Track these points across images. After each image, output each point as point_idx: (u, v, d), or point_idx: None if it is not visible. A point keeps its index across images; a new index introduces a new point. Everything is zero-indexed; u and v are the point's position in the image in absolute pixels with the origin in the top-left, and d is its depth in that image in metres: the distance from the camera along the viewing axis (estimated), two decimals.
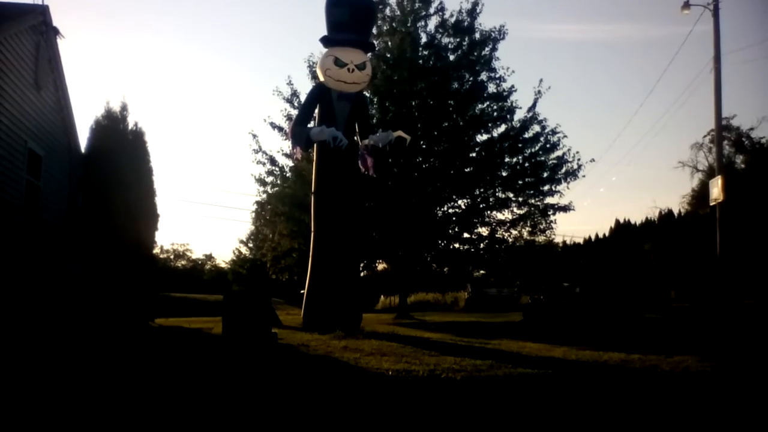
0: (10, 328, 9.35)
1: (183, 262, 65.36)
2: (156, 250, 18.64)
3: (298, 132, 12.00)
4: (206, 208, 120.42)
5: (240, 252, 58.23)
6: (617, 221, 54.24)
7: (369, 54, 12.40)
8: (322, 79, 12.14)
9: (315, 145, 11.99)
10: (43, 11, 13.89)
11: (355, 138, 12.23)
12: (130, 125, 14.55)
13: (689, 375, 6.29)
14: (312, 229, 12.08)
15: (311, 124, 12.26)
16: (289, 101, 20.73)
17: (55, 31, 14.54)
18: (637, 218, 59.06)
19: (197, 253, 71.23)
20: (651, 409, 4.82)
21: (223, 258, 78.10)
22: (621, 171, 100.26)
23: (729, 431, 4.28)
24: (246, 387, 5.28)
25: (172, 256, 63.01)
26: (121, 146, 14.07)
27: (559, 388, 5.57)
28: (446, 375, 5.90)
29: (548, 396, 5.26)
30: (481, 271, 27.69)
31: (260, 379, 5.64)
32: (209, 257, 69.47)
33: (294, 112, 20.10)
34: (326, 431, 3.85)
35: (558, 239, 34.40)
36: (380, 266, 26.36)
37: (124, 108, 14.58)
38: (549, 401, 5.08)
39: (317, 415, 4.30)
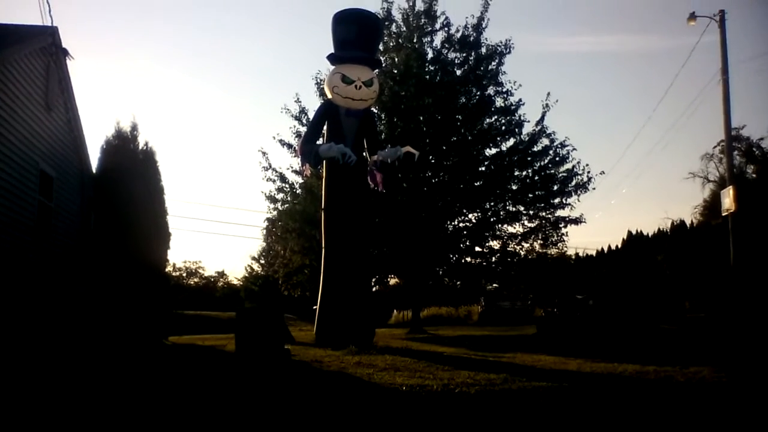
0: (24, 348, 9.40)
1: (195, 280, 65.54)
2: (168, 268, 18.74)
3: (307, 150, 12.06)
4: (218, 226, 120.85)
5: (252, 269, 58.34)
6: (629, 233, 54.01)
7: (376, 71, 12.46)
8: (329, 96, 12.21)
9: (324, 162, 12.05)
10: (53, 33, 14.05)
11: (364, 154, 12.27)
12: (141, 145, 14.61)
13: (705, 386, 6.23)
14: (323, 245, 12.10)
15: (320, 142, 12.33)
16: (298, 118, 20.87)
17: (65, 53, 14.71)
18: (649, 229, 58.68)
19: (210, 271, 71.49)
20: (666, 421, 4.78)
21: (236, 275, 78.06)
22: (632, 183, 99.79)
23: None
24: (260, 404, 5.29)
25: (184, 274, 63.21)
26: (132, 166, 14.14)
27: (573, 401, 5.54)
28: (460, 389, 5.88)
29: (563, 409, 5.22)
30: (494, 285, 27.54)
31: (274, 396, 5.64)
32: (221, 274, 69.66)
33: (302, 129, 20.27)
34: None
35: (570, 251, 34.38)
36: (392, 281, 26.34)
37: (134, 128, 14.67)
38: (564, 414, 5.04)
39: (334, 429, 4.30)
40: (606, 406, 5.35)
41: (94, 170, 15.33)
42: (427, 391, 5.81)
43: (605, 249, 54.34)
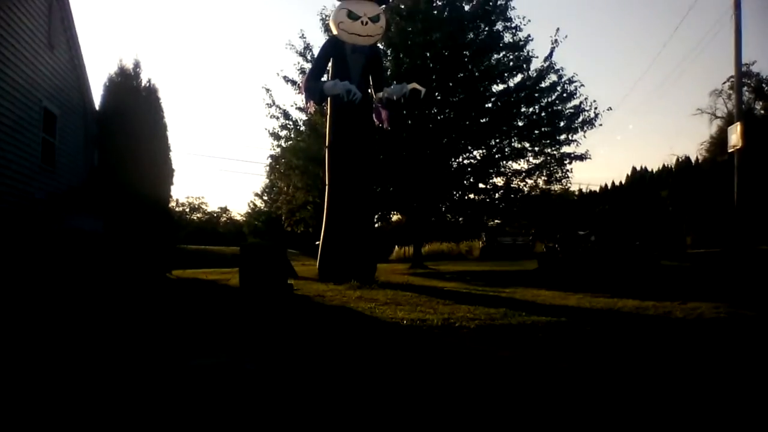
0: (31, 286, 9.53)
1: (198, 215, 65.76)
2: (172, 204, 18.83)
3: (311, 86, 11.91)
4: (221, 162, 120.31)
5: (255, 205, 58.61)
6: (634, 169, 53.78)
7: (382, 6, 12.21)
8: (335, 32, 12.00)
9: (329, 99, 11.95)
10: None
11: (369, 91, 12.13)
12: (144, 82, 14.60)
13: (702, 322, 6.31)
14: (326, 182, 12.12)
15: (325, 78, 12.16)
16: (302, 55, 20.58)
17: None
18: (654, 166, 58.48)
19: (212, 206, 71.74)
20: (662, 358, 4.85)
21: (239, 211, 78.52)
22: (638, 119, 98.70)
23: (739, 379, 4.30)
24: (264, 337, 5.37)
25: (187, 209, 63.39)
26: (135, 103, 14.13)
27: (571, 336, 5.62)
28: (460, 324, 5.96)
29: (561, 344, 5.30)
30: (496, 221, 27.64)
31: (278, 330, 5.73)
32: (224, 210, 69.96)
33: (307, 66, 20.00)
34: (342, 380, 3.92)
35: (574, 187, 34.25)
36: (395, 217, 26.43)
37: (137, 65, 14.60)
38: (561, 350, 5.12)
39: (334, 365, 4.37)
40: (603, 341, 5.42)
41: (97, 108, 15.27)
42: (427, 325, 5.90)
43: (609, 185, 54.29)
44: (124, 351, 4.70)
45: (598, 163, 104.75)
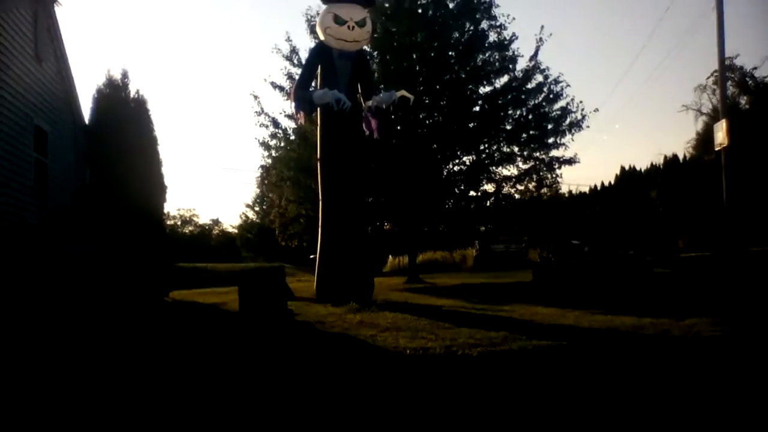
0: (24, 313, 9.50)
1: (190, 228, 65.74)
2: (165, 218, 18.71)
3: (300, 95, 11.90)
4: (210, 172, 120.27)
5: (247, 217, 58.55)
6: (622, 168, 54.03)
7: (368, 9, 12.25)
8: (322, 37, 12.02)
9: (318, 109, 11.92)
10: None
11: (358, 97, 12.14)
12: (132, 93, 14.48)
13: (700, 340, 6.42)
14: (320, 197, 12.10)
15: (313, 85, 12.17)
16: (289, 59, 20.50)
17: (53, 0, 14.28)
18: (642, 164, 58.84)
19: (204, 219, 71.68)
20: (663, 379, 4.94)
21: (231, 223, 78.51)
22: (624, 117, 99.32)
23: (737, 398, 4.40)
24: (269, 368, 5.42)
25: (179, 223, 63.32)
26: (124, 115, 13.95)
27: (573, 361, 5.70)
28: (462, 351, 6.01)
29: (562, 369, 5.38)
30: (489, 226, 27.75)
31: (282, 361, 5.77)
32: (216, 222, 70.01)
33: (294, 70, 20.01)
34: (348, 411, 3.99)
35: (563, 189, 34.37)
36: (387, 226, 26.45)
37: (125, 75, 14.49)
38: (563, 374, 5.20)
39: (339, 396, 4.43)
40: (604, 364, 5.51)
41: (86, 121, 15.10)
42: (430, 354, 5.95)
43: (598, 186, 54.56)
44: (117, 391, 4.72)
45: (587, 163, 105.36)
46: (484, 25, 20.57)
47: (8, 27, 12.07)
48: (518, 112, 20.87)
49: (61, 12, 14.83)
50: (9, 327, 8.32)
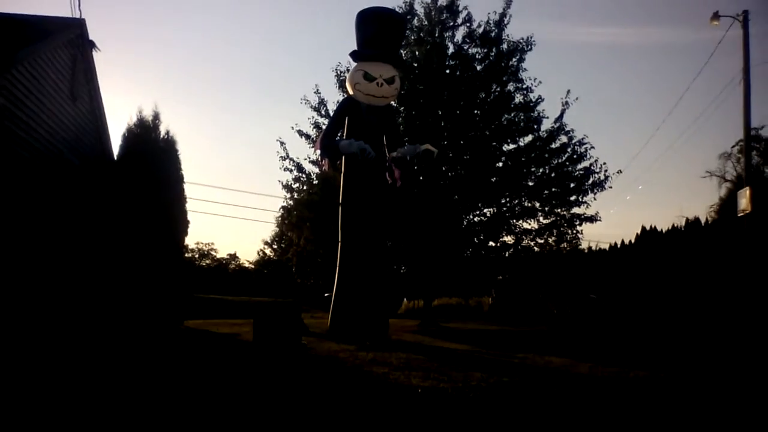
0: (52, 337, 9.67)
1: (207, 261, 66.02)
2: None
3: (327, 144, 12.23)
4: (231, 209, 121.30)
5: (264, 253, 58.81)
6: (643, 228, 53.60)
7: (398, 68, 12.60)
8: (351, 92, 12.37)
9: (343, 157, 12.22)
10: (80, 25, 14.29)
11: (383, 149, 12.42)
12: (162, 133, 14.90)
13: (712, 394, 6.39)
14: (339, 239, 12.29)
15: (339, 135, 12.49)
16: (317, 110, 20.94)
17: (91, 44, 14.92)
18: (663, 225, 58.43)
19: (222, 253, 72.00)
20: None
21: (247, 258, 78.79)
22: (648, 179, 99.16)
23: None
24: (281, 402, 5.48)
25: (197, 255, 63.70)
26: (152, 154, 14.39)
27: (582, 408, 5.69)
28: (473, 394, 6.03)
29: (571, 415, 5.38)
30: (506, 275, 27.58)
31: (295, 395, 5.83)
32: (233, 257, 70.15)
33: (321, 120, 20.43)
34: None
35: (584, 244, 34.16)
36: (403, 269, 26.41)
37: (156, 116, 14.94)
38: (572, 421, 5.21)
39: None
40: (614, 415, 5.50)
41: (115, 157, 15.55)
42: (441, 395, 5.97)
43: (618, 243, 54.07)
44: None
45: (608, 221, 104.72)
46: (511, 87, 20.92)
47: (48, 69, 12.78)
48: (541, 170, 21.00)
49: (98, 56, 15.44)
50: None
